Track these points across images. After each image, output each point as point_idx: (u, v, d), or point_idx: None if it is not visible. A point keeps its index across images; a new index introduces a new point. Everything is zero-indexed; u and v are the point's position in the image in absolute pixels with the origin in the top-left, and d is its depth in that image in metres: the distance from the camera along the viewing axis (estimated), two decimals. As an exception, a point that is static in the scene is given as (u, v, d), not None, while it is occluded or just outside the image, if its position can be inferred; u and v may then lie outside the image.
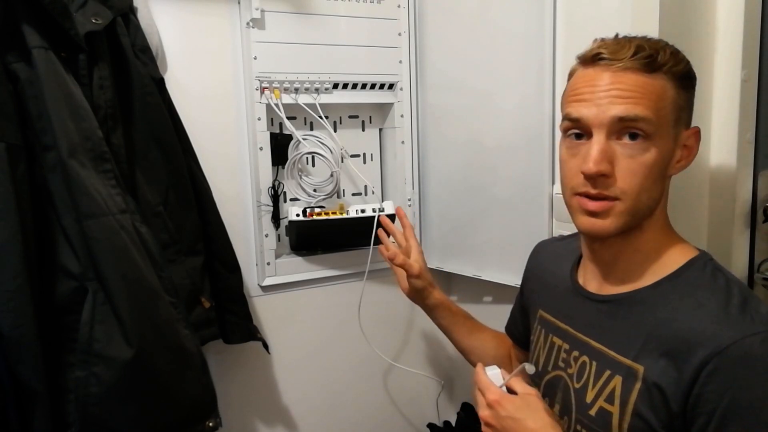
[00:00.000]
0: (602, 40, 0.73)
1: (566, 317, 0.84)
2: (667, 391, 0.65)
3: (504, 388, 0.77)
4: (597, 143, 0.68)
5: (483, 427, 0.76)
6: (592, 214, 0.71)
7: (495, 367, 0.79)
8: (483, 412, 0.75)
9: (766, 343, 0.62)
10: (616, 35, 0.73)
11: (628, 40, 0.71)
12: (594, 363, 0.76)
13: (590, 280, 0.82)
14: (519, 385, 0.77)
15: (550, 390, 0.84)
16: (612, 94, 0.68)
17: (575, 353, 0.80)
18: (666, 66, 0.68)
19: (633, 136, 0.68)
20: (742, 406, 0.61)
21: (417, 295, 1.11)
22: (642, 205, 0.70)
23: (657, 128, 0.68)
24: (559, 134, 0.77)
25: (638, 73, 0.68)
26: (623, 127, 0.68)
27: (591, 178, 0.69)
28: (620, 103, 0.67)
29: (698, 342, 0.64)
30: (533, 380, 0.89)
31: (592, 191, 0.70)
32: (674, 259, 0.73)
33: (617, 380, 0.71)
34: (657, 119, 0.67)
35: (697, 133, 0.73)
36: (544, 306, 0.91)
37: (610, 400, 0.71)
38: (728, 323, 0.64)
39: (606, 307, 0.77)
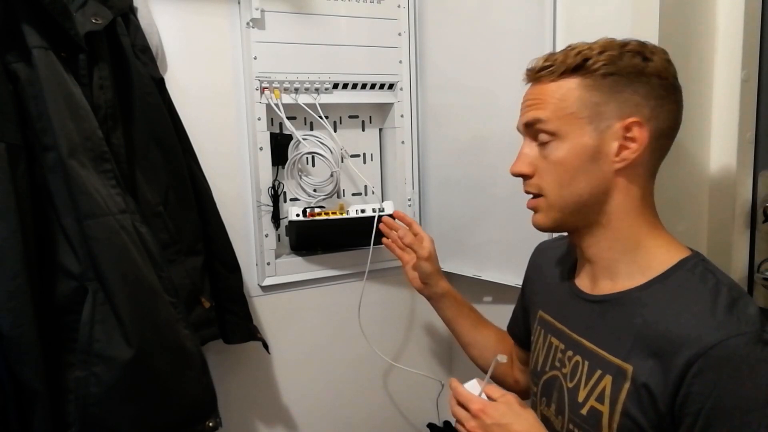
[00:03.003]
0: (536, 58, 0.79)
1: (563, 317, 0.84)
2: (654, 392, 0.66)
3: (483, 396, 0.78)
4: (520, 149, 0.79)
5: None
6: (532, 211, 0.80)
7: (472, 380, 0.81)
8: (469, 424, 0.77)
9: (751, 344, 0.62)
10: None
11: (549, 54, 0.77)
12: (586, 363, 0.76)
13: (584, 279, 0.83)
14: (496, 391, 0.79)
15: (547, 390, 0.84)
16: (525, 105, 0.78)
17: (569, 353, 0.80)
18: (562, 70, 0.73)
19: (544, 138, 0.75)
20: (727, 406, 0.62)
21: (427, 278, 1.13)
22: (567, 200, 0.75)
23: (561, 127, 0.73)
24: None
25: (544, 83, 0.75)
26: (534, 132, 0.77)
27: (522, 180, 0.79)
28: (527, 111, 0.77)
29: (684, 343, 0.64)
30: (532, 380, 0.89)
31: (524, 191, 0.80)
32: (664, 259, 0.73)
33: (607, 380, 0.72)
34: (557, 118, 0.73)
35: (636, 122, 0.71)
36: (543, 307, 0.91)
37: (600, 399, 0.72)
38: (714, 324, 0.64)
39: (598, 307, 0.77)
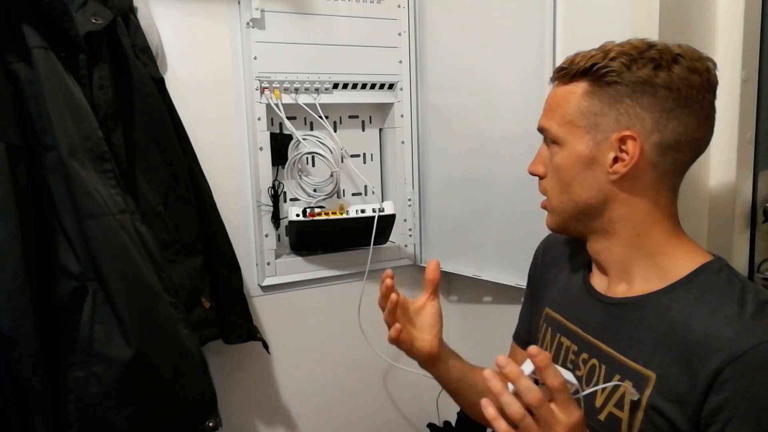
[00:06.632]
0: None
1: (575, 318, 0.82)
2: (680, 399, 0.64)
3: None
4: (539, 149, 0.80)
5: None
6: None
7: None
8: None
9: None
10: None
11: (577, 54, 0.74)
12: (603, 367, 0.74)
13: (599, 281, 0.81)
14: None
15: None
16: (543, 108, 0.78)
17: (584, 356, 0.78)
18: (573, 73, 0.73)
19: (548, 143, 0.77)
20: (757, 412, 0.61)
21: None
22: (565, 205, 0.76)
23: (562, 134, 0.74)
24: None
25: (559, 86, 0.75)
26: (545, 136, 0.78)
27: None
28: (541, 116, 0.78)
29: (713, 348, 0.63)
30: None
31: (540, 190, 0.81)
32: (684, 263, 0.72)
33: (627, 385, 0.70)
34: (559, 126, 0.74)
35: (630, 136, 0.69)
36: (551, 304, 0.88)
37: (619, 405, 0.70)
38: (743, 329, 0.63)
39: (616, 310, 0.75)
